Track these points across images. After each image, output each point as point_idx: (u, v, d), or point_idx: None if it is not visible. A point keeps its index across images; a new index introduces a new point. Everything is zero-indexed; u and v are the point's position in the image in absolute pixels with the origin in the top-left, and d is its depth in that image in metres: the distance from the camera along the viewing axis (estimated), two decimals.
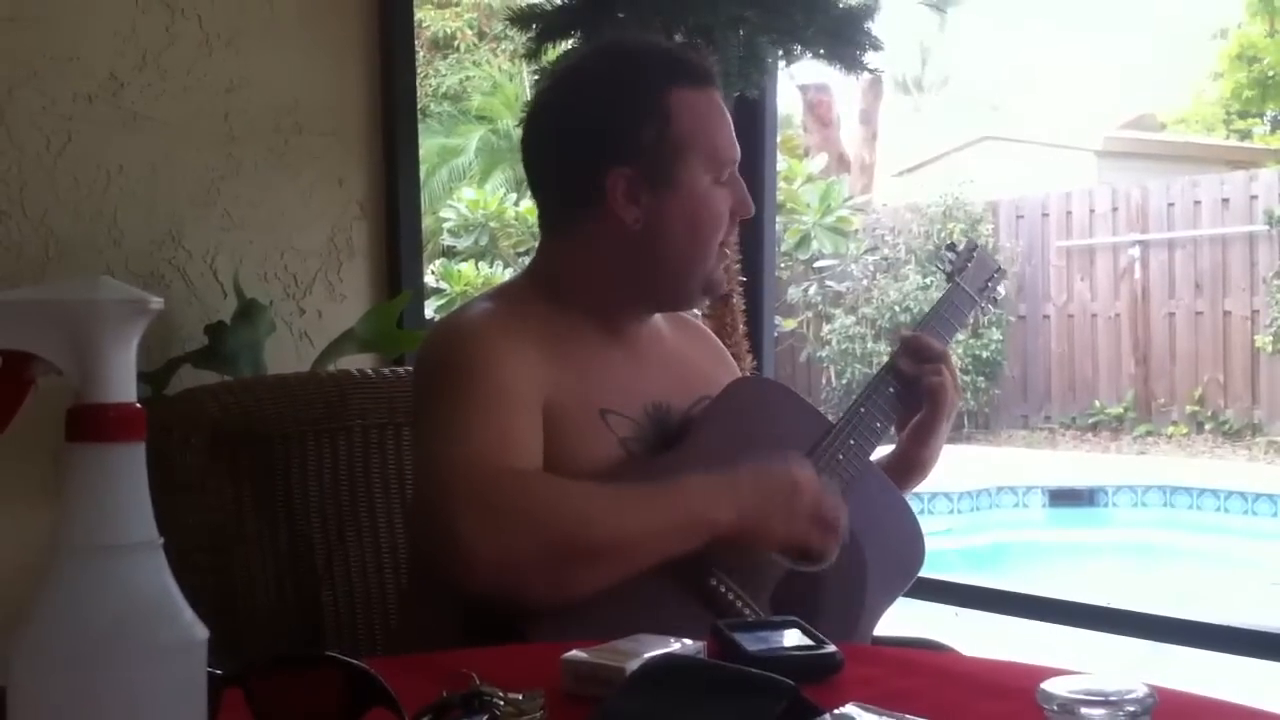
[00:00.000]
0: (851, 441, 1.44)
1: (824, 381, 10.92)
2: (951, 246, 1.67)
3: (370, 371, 1.67)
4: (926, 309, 1.68)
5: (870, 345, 10.57)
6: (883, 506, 1.47)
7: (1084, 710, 0.70)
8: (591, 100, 1.41)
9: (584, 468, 1.30)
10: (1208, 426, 10.22)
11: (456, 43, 12.73)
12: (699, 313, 2.40)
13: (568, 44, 2.24)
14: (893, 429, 1.54)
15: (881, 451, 1.56)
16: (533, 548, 1.19)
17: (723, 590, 1.30)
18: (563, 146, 1.42)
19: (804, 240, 10.44)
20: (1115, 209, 10.68)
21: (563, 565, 1.20)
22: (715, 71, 1.45)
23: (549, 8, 2.30)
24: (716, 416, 1.41)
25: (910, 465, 1.55)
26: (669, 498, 1.27)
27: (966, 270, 1.64)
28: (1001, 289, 1.71)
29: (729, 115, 1.44)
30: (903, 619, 1.55)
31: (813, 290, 10.87)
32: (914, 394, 1.52)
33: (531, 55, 2.28)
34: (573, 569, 1.21)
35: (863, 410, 1.48)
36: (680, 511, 1.26)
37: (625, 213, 1.37)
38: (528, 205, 9.58)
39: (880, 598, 1.42)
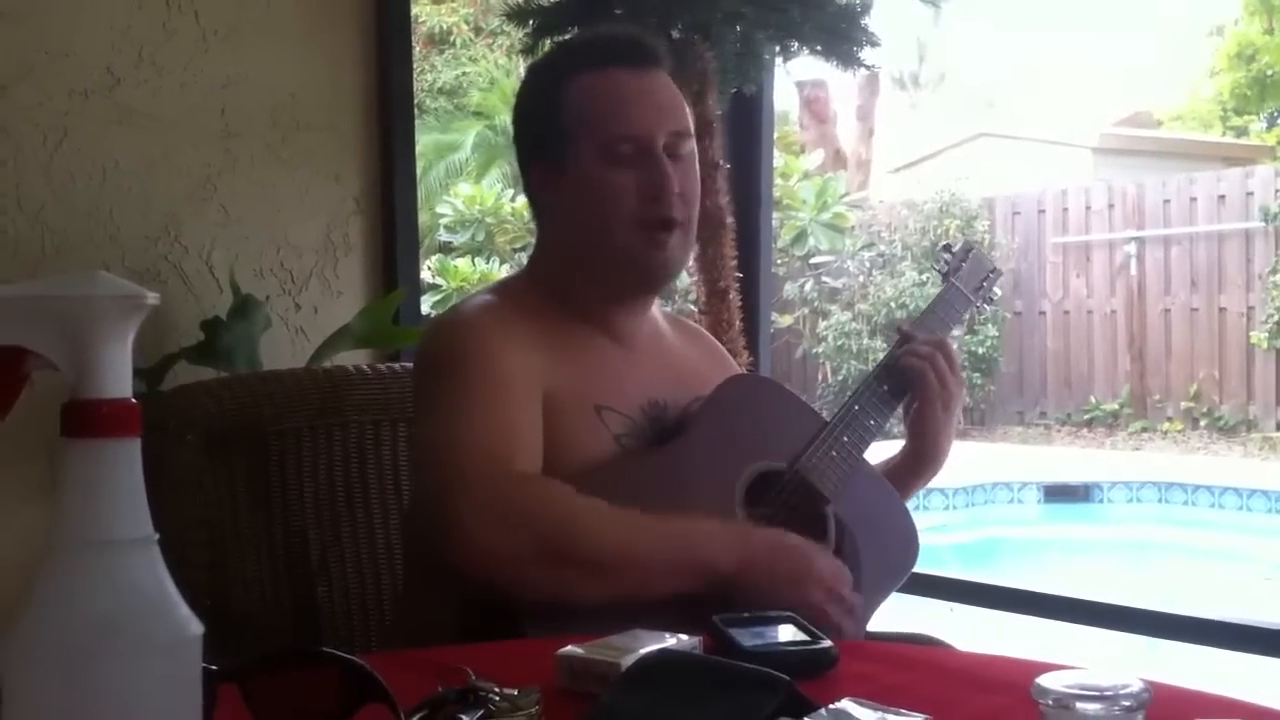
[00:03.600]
0: (845, 439, 1.45)
1: (820, 378, 10.92)
2: (947, 247, 1.68)
3: (366, 367, 1.67)
4: (923, 305, 1.68)
5: (866, 341, 10.57)
6: (877, 503, 1.48)
7: (1079, 705, 0.70)
8: (518, 104, 1.50)
9: (577, 463, 1.30)
10: (1203, 423, 10.23)
11: (453, 38, 12.71)
12: (694, 309, 2.40)
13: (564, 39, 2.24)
14: (903, 420, 1.54)
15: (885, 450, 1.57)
16: (530, 547, 1.20)
17: None
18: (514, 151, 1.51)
19: (800, 236, 10.44)
20: (1111, 205, 10.69)
21: (559, 569, 1.20)
22: (639, 49, 1.42)
23: (545, 3, 2.30)
24: (709, 414, 1.41)
25: (917, 456, 1.54)
26: (675, 529, 1.25)
27: (962, 270, 1.64)
28: (997, 289, 1.72)
29: (655, 91, 1.40)
30: (898, 614, 1.55)
31: (809, 286, 10.87)
32: (905, 387, 1.52)
33: (528, 51, 2.28)
34: (569, 575, 1.21)
35: (856, 408, 1.48)
36: (683, 545, 1.25)
37: (546, 205, 1.45)
38: (524, 201, 9.56)
39: (874, 593, 1.42)
